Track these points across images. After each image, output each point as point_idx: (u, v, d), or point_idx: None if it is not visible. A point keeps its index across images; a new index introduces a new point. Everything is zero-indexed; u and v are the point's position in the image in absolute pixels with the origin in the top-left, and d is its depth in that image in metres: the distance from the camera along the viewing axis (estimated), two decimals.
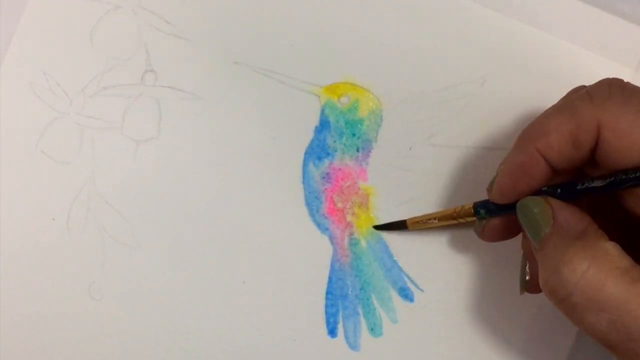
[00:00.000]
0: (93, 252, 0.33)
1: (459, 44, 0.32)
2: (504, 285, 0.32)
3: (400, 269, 0.32)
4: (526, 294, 0.28)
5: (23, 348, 0.33)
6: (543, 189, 0.26)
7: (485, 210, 0.28)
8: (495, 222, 0.28)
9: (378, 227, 0.32)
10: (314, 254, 0.32)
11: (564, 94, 0.28)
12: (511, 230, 0.28)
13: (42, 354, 0.33)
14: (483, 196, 0.29)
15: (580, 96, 0.25)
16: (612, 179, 0.24)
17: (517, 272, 0.31)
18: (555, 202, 0.25)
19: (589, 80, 0.28)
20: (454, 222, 0.30)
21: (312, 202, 0.32)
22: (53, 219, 0.33)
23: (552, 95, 0.31)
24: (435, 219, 0.30)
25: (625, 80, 0.25)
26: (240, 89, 0.33)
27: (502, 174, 0.27)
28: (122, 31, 0.33)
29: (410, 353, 0.32)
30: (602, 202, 0.27)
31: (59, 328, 0.33)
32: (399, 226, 0.32)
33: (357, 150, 0.32)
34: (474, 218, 0.29)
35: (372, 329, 0.32)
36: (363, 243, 0.32)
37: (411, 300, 0.32)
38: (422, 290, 0.32)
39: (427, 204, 0.32)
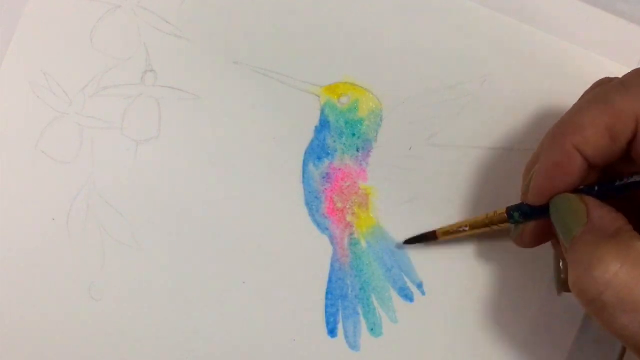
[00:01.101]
0: (93, 252, 0.33)
1: (459, 44, 0.32)
2: (505, 285, 0.32)
3: (400, 269, 0.32)
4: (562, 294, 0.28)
5: (23, 348, 0.33)
6: (580, 187, 0.25)
7: (519, 213, 0.27)
8: (531, 226, 0.28)
9: (408, 241, 0.31)
10: (314, 254, 0.32)
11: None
12: (548, 232, 0.27)
13: (42, 354, 0.33)
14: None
15: (615, 87, 0.25)
16: None
17: (518, 271, 0.31)
18: (590, 200, 0.25)
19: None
20: (487, 229, 0.29)
21: (312, 202, 0.32)
22: (53, 219, 0.33)
23: (552, 95, 0.32)
24: (466, 226, 0.30)
25: None
26: (240, 89, 0.33)
27: (538, 173, 0.26)
28: (122, 31, 0.33)
29: (410, 353, 0.32)
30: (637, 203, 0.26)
31: (59, 328, 0.33)
32: (428, 238, 0.31)
33: (357, 150, 0.32)
34: (506, 224, 0.28)
35: (372, 329, 0.32)
36: (363, 243, 0.32)
37: (411, 300, 0.32)
38: (423, 294, 0.32)
39: (427, 204, 0.32)
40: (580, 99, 0.26)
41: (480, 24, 0.32)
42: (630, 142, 0.24)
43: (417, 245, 0.32)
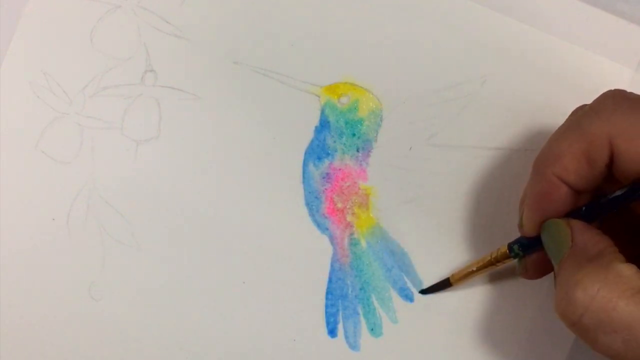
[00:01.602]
0: (93, 252, 0.33)
1: (459, 43, 0.32)
2: (504, 286, 0.32)
3: (400, 269, 0.32)
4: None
5: (23, 348, 0.33)
6: (569, 211, 0.26)
7: (518, 246, 0.28)
8: (533, 258, 0.28)
9: (423, 292, 0.32)
10: (314, 254, 0.32)
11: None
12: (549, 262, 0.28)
13: (42, 354, 0.33)
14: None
15: (585, 114, 0.25)
16: (633, 185, 0.24)
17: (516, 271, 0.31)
18: (575, 224, 0.25)
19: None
20: (493, 267, 0.30)
21: (312, 202, 0.32)
22: (53, 219, 0.33)
23: (552, 95, 0.32)
24: (474, 268, 0.30)
25: (623, 88, 0.25)
26: (240, 89, 0.33)
27: (527, 205, 0.27)
28: (122, 31, 0.33)
29: (410, 353, 0.32)
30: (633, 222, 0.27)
31: (59, 328, 0.33)
32: (444, 285, 0.31)
33: (357, 150, 0.32)
34: (510, 260, 0.29)
35: (372, 329, 0.32)
36: (363, 243, 0.32)
37: (411, 300, 0.32)
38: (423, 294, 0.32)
39: (427, 204, 0.32)
40: (557, 129, 0.27)
41: (480, 24, 0.32)
42: (609, 165, 0.25)
43: (418, 240, 0.32)
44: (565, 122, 0.27)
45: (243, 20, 0.33)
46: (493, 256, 0.29)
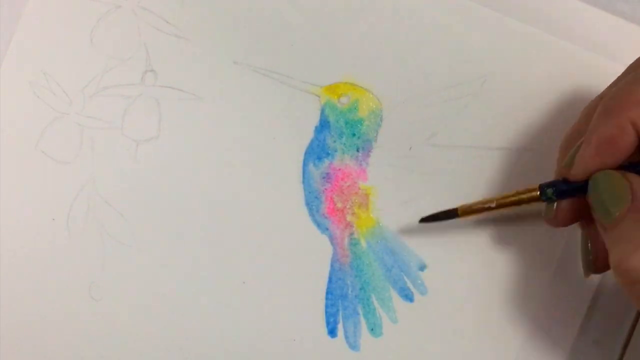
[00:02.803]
0: (93, 252, 0.33)
1: (459, 44, 0.32)
2: (504, 285, 0.32)
3: (400, 269, 0.32)
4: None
5: (23, 348, 0.33)
6: (623, 164, 0.25)
7: (553, 190, 0.26)
8: (566, 204, 0.27)
9: (425, 219, 0.30)
10: (314, 254, 0.32)
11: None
12: (580, 211, 0.27)
13: (42, 354, 0.33)
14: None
15: None
16: None
17: (517, 272, 0.31)
18: (635, 178, 0.24)
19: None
20: (515, 206, 0.28)
21: (312, 202, 0.32)
22: (53, 219, 0.33)
23: (552, 94, 0.32)
24: (492, 203, 0.28)
25: None
26: (240, 89, 0.33)
27: (587, 147, 0.25)
28: (122, 31, 0.33)
29: (410, 353, 0.32)
30: None
31: (59, 328, 0.33)
32: (448, 215, 0.30)
33: (357, 150, 0.32)
34: (534, 203, 0.27)
35: (372, 329, 0.32)
36: (363, 243, 0.32)
37: (411, 300, 0.32)
38: (424, 294, 0.32)
39: (427, 203, 0.32)
40: (626, 77, 0.25)
41: (480, 24, 0.32)
42: None
43: (418, 240, 0.32)
44: (632, 69, 0.26)
45: (243, 20, 0.33)
46: (518, 193, 0.28)
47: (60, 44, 0.33)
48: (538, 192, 0.27)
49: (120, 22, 0.33)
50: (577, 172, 0.26)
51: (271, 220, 0.32)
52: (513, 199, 0.28)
